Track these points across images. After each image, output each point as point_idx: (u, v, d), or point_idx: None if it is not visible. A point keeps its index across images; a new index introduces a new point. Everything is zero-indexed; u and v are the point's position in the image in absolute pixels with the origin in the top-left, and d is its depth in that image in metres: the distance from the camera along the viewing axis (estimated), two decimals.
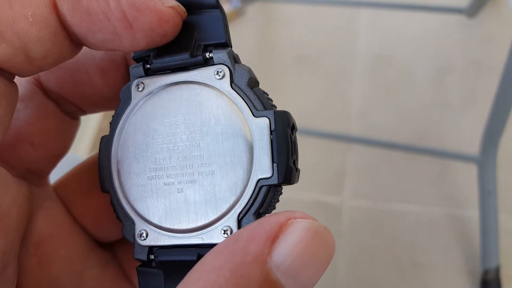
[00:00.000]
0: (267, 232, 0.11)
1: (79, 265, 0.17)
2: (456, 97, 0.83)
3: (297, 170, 0.14)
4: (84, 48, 0.15)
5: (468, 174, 0.72)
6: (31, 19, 0.12)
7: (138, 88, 0.15)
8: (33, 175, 0.17)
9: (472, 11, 0.87)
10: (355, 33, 0.95)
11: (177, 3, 0.14)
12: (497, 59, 0.68)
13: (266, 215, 0.14)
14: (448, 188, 0.74)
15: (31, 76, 0.16)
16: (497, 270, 0.64)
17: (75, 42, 0.14)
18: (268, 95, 0.15)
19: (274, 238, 0.11)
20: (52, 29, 0.13)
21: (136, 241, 0.15)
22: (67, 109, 0.18)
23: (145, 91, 0.15)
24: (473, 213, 0.71)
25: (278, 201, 0.15)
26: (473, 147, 0.68)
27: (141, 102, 0.15)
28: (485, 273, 0.64)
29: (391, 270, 0.70)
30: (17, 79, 0.15)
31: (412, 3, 0.88)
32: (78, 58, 0.16)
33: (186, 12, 0.15)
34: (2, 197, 0.14)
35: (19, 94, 0.16)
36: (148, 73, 0.15)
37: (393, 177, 0.76)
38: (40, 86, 0.17)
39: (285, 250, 0.11)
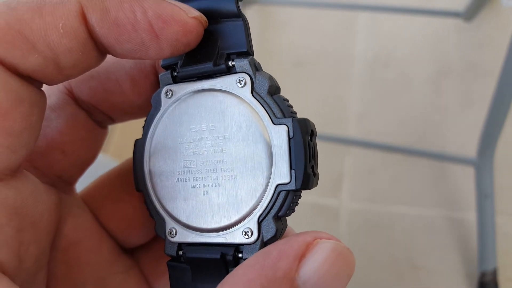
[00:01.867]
0: (295, 250, 0.12)
1: (104, 271, 0.17)
2: (453, 100, 0.84)
3: (315, 175, 0.15)
4: (114, 58, 0.15)
5: (466, 177, 0.72)
6: (61, 31, 0.13)
7: (167, 95, 0.16)
8: (62, 182, 0.17)
9: (469, 15, 0.87)
10: (353, 37, 0.95)
11: (200, 13, 0.15)
12: (494, 62, 0.68)
13: (292, 235, 0.14)
14: (445, 191, 0.75)
15: (63, 87, 0.17)
16: (494, 272, 0.64)
17: (102, 51, 0.14)
18: (288, 101, 0.15)
19: (301, 257, 0.12)
20: (81, 40, 0.13)
21: (167, 237, 0.17)
22: (97, 118, 0.18)
23: (173, 98, 0.16)
24: (471, 216, 0.71)
25: (297, 204, 0.15)
26: (471, 149, 0.68)
27: (170, 108, 0.16)
28: (483, 275, 0.64)
29: (389, 272, 0.70)
30: (50, 90, 0.16)
31: (410, 7, 0.88)
32: (108, 68, 0.17)
33: (207, 22, 0.15)
34: (35, 204, 0.14)
35: (52, 104, 0.16)
36: (176, 80, 0.16)
37: (391, 179, 0.77)
38: (72, 96, 0.17)
39: (312, 268, 0.12)
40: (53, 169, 0.17)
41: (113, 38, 0.13)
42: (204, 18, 0.15)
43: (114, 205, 0.18)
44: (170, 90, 0.16)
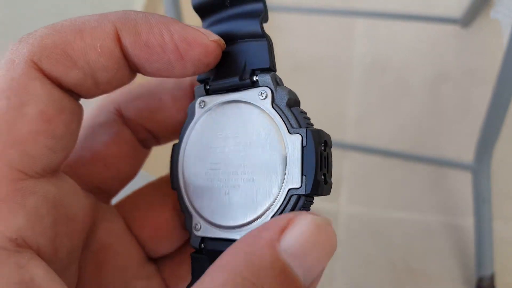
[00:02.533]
0: (278, 224, 0.14)
1: (129, 275, 0.19)
2: (451, 105, 0.84)
3: (326, 183, 0.16)
4: (157, 79, 0.17)
5: (463, 182, 0.73)
6: (99, 50, 0.15)
7: (200, 105, 0.18)
8: (102, 193, 0.19)
9: (466, 21, 0.88)
10: (352, 42, 0.96)
11: (219, 37, 0.17)
12: (491, 68, 0.69)
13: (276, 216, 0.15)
14: (443, 196, 0.75)
15: (113, 107, 0.19)
16: (491, 278, 0.64)
17: (133, 70, 0.16)
18: (305, 114, 0.16)
19: (283, 229, 0.13)
20: (116, 59, 0.15)
21: (192, 231, 0.18)
22: (142, 137, 0.20)
23: (205, 108, 0.18)
24: (468, 221, 0.71)
25: (308, 209, 0.16)
26: (468, 155, 0.69)
27: (202, 117, 0.18)
28: (480, 280, 0.64)
29: (387, 277, 0.70)
30: (100, 109, 0.18)
31: (407, 13, 0.89)
32: (152, 89, 0.19)
33: (225, 44, 0.17)
34: (71, 202, 0.16)
35: (101, 121, 0.18)
36: (208, 92, 0.18)
37: (389, 184, 0.77)
38: (120, 115, 0.19)
39: (292, 237, 0.13)
40: (94, 179, 0.18)
41: (144, 58, 0.15)
42: (222, 41, 0.17)
43: (146, 215, 0.20)
44: (203, 101, 0.18)
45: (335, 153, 0.78)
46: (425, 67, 0.89)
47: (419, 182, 0.76)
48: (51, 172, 0.15)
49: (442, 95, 0.86)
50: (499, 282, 0.65)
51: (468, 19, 0.87)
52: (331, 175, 0.16)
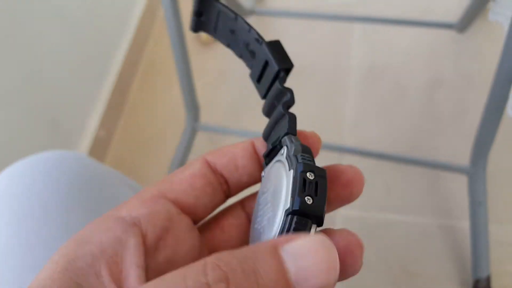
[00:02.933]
0: (284, 237, 0.16)
1: None
2: (447, 109, 0.85)
3: (313, 205, 0.17)
4: None
5: (459, 185, 0.73)
6: (241, 149, 0.22)
7: (262, 175, 0.22)
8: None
9: (462, 26, 0.89)
10: (349, 47, 0.96)
11: None
12: (486, 72, 0.69)
13: None
14: (439, 199, 0.76)
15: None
16: (487, 280, 0.64)
17: (261, 165, 0.22)
18: (308, 155, 0.19)
19: (288, 240, 0.15)
20: (250, 153, 0.22)
21: None
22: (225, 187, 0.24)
23: (263, 178, 0.22)
24: (464, 223, 0.72)
25: (305, 230, 0.17)
26: (464, 158, 0.69)
27: (263, 183, 0.22)
28: (476, 282, 0.65)
29: (383, 279, 0.70)
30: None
31: (404, 18, 0.90)
32: None
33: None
34: (181, 233, 0.21)
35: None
36: (266, 164, 0.22)
37: (385, 187, 0.77)
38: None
39: (295, 243, 0.15)
40: (211, 240, 0.23)
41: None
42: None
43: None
44: (264, 172, 0.22)
45: (333, 156, 0.78)
46: (421, 71, 0.90)
47: (415, 185, 0.77)
48: (180, 206, 0.21)
49: (438, 99, 0.86)
50: (495, 284, 0.65)
51: (464, 24, 0.88)
52: (323, 202, 0.18)
